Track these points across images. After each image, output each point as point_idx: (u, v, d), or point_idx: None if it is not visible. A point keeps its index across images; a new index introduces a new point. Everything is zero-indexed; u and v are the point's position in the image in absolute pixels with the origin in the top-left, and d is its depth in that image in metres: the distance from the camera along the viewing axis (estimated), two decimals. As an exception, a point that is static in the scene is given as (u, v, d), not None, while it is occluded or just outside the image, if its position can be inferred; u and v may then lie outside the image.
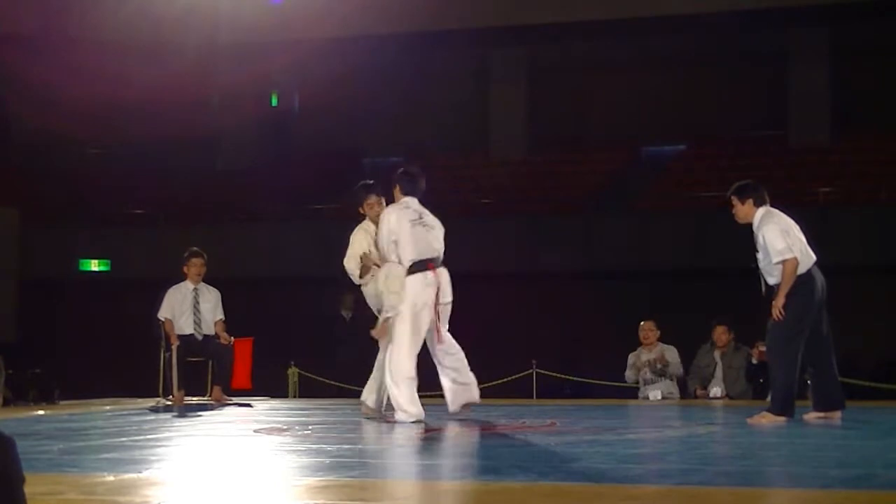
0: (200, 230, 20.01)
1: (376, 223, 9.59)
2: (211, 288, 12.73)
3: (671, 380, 12.91)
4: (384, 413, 9.59)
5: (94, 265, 21.68)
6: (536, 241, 19.81)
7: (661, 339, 13.03)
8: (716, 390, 12.47)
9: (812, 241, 9.18)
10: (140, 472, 6.26)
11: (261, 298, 19.97)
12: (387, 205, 9.63)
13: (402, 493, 5.78)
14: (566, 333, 19.61)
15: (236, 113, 24.36)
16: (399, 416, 9.16)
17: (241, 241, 20.94)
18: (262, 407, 11.88)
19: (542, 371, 15.51)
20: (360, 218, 9.94)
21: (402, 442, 8.34)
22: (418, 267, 9.20)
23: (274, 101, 25.73)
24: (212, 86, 24.36)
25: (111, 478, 5.97)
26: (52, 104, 22.17)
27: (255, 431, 8.95)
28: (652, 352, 12.93)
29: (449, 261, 9.47)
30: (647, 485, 5.72)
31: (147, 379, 12.83)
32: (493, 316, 17.54)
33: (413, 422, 9.05)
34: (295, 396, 15.82)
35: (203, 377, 12.82)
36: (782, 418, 8.89)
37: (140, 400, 12.60)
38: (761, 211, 9.18)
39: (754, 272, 9.26)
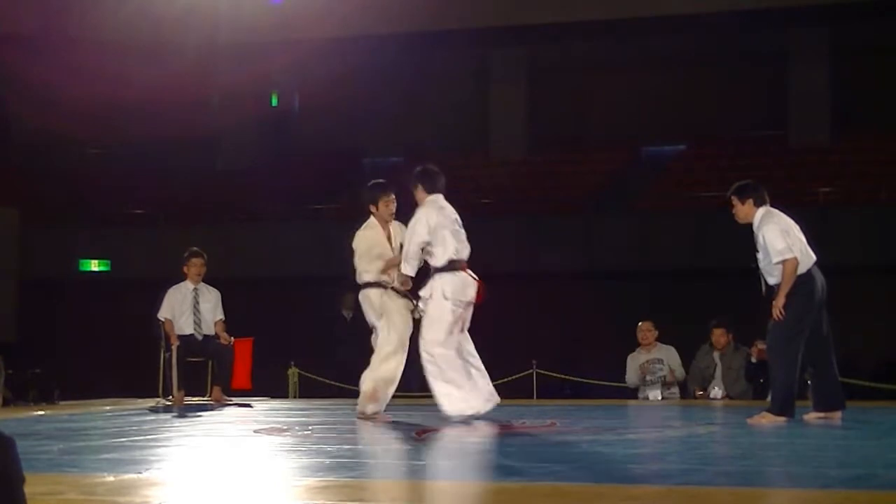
0: (200, 230, 20.01)
1: (388, 221, 9.58)
2: (211, 288, 12.73)
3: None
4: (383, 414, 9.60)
5: (94, 265, 21.67)
6: (536, 241, 19.81)
7: (661, 340, 13.03)
8: (716, 391, 12.47)
9: (812, 241, 9.18)
10: (140, 473, 6.26)
11: (261, 298, 19.97)
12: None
13: (401, 493, 5.78)
14: (566, 333, 19.61)
15: (236, 113, 24.36)
16: (450, 410, 9.18)
17: (241, 241, 20.94)
18: (262, 407, 11.88)
19: (542, 371, 15.51)
20: (360, 217, 9.92)
21: (401, 442, 8.34)
22: (455, 266, 9.26)
23: (274, 101, 25.73)
24: (212, 86, 24.36)
25: (111, 478, 5.97)
26: (52, 104, 22.17)
27: (255, 431, 8.95)
28: (651, 352, 12.93)
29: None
30: (647, 485, 5.72)
31: (147, 379, 12.83)
32: (493, 316, 17.56)
33: (470, 415, 9.13)
34: (295, 396, 15.82)
35: (203, 377, 12.82)
36: (782, 418, 8.89)
37: (140, 400, 12.60)
38: (761, 211, 9.18)
39: (754, 272, 9.26)
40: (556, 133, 23.86)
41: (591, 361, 16.56)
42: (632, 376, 12.95)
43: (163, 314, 12.49)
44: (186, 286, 12.63)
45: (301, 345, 17.89)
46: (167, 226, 21.59)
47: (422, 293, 9.38)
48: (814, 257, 9.12)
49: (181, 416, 10.92)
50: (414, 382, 17.05)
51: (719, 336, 12.59)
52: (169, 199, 22.84)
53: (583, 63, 24.11)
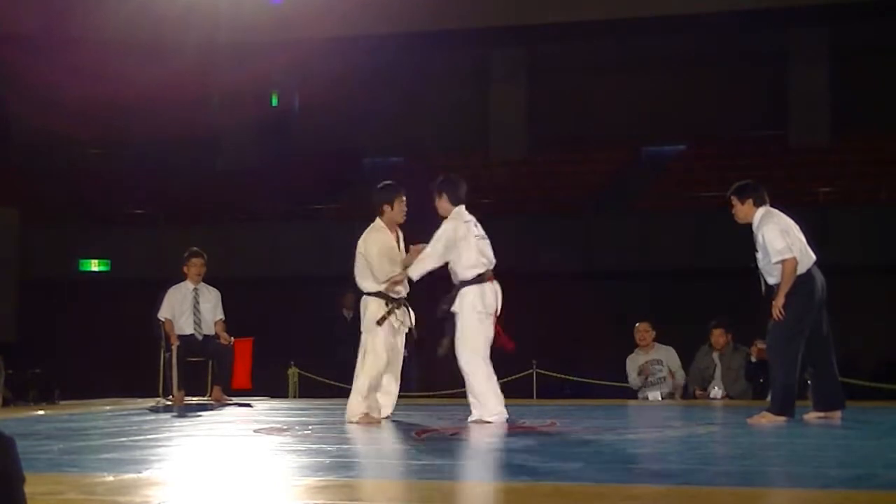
0: (200, 230, 20.01)
1: (398, 223, 9.53)
2: (211, 288, 12.73)
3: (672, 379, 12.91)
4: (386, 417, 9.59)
5: (94, 265, 21.67)
6: (536, 241, 19.79)
7: (662, 340, 13.02)
8: (716, 391, 12.47)
9: (812, 241, 9.18)
10: (140, 472, 6.27)
11: (261, 298, 19.97)
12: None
13: (401, 493, 5.78)
14: (566, 333, 19.60)
15: (236, 113, 24.36)
16: (485, 415, 9.18)
17: (241, 241, 20.93)
18: (262, 407, 11.88)
19: (542, 371, 15.51)
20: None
21: (401, 442, 8.34)
22: (483, 278, 9.30)
23: (274, 101, 25.73)
24: (212, 85, 24.36)
25: (111, 478, 5.97)
26: (53, 104, 22.17)
27: (255, 431, 8.95)
28: (649, 353, 12.92)
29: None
30: (647, 485, 5.73)
31: (147, 379, 12.84)
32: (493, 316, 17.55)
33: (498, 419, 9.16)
34: (295, 396, 15.82)
35: (203, 377, 12.82)
36: (782, 418, 8.89)
37: (140, 400, 12.60)
38: (761, 211, 9.18)
39: (754, 272, 9.26)
40: (556, 133, 23.85)
41: (591, 361, 16.55)
42: (634, 378, 12.94)
43: (163, 314, 12.50)
44: (186, 286, 12.64)
45: (301, 345, 17.90)
46: (167, 226, 21.58)
47: (448, 307, 9.36)
48: (813, 257, 9.12)
49: (181, 416, 10.92)
50: (414, 382, 17.09)
51: (718, 336, 12.59)
52: (169, 199, 22.83)
53: (583, 63, 24.11)
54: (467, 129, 24.17)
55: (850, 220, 18.97)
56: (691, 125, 23.26)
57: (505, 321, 9.54)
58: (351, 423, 9.22)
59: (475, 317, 9.25)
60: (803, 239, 9.14)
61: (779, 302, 8.92)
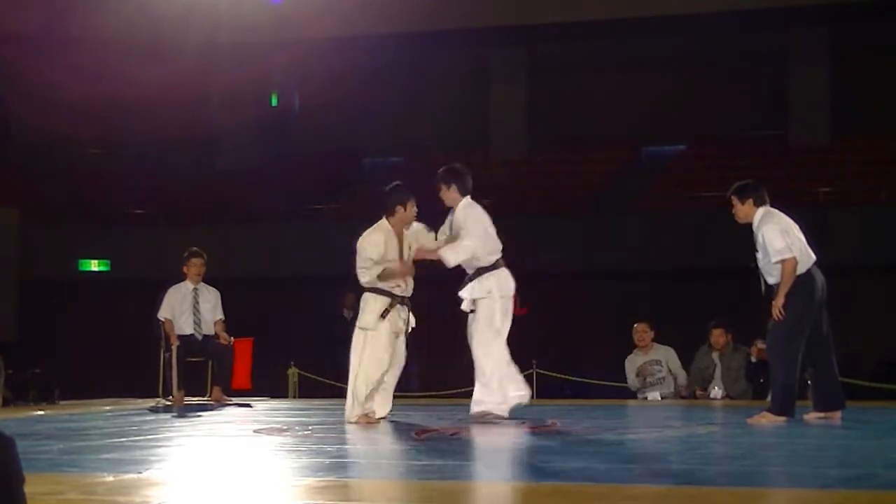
0: (200, 230, 20.00)
1: (407, 225, 9.51)
2: (211, 288, 12.73)
3: (674, 379, 12.90)
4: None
5: (94, 265, 21.67)
6: (536, 241, 19.78)
7: (662, 340, 13.01)
8: (716, 391, 12.47)
9: (812, 241, 9.18)
10: (140, 472, 6.26)
11: (261, 298, 19.97)
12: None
13: (401, 493, 5.78)
14: (566, 333, 19.60)
15: (236, 113, 24.35)
16: (489, 404, 9.27)
17: (241, 241, 20.94)
18: (262, 407, 11.87)
19: (542, 371, 15.50)
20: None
21: (400, 443, 8.34)
22: (500, 263, 9.51)
23: (274, 101, 25.73)
24: (212, 85, 24.37)
25: (111, 478, 5.97)
26: (53, 104, 22.17)
27: (255, 431, 8.95)
28: (648, 354, 12.91)
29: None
30: (647, 485, 5.72)
31: (147, 379, 12.83)
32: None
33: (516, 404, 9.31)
34: (295, 396, 15.82)
35: (203, 377, 12.82)
36: (782, 418, 8.89)
37: (140, 400, 12.60)
38: (761, 211, 9.18)
39: (754, 272, 9.26)
40: (556, 133, 23.85)
41: (591, 361, 16.57)
42: (632, 380, 12.93)
43: (163, 314, 12.50)
44: (186, 286, 12.63)
45: (301, 345, 17.90)
46: (167, 226, 21.59)
47: (469, 294, 9.40)
48: (813, 257, 9.12)
49: (181, 416, 10.91)
50: (414, 382, 17.09)
51: (718, 336, 12.58)
52: (169, 199, 22.83)
53: (583, 63, 24.11)
54: (467, 129, 24.17)
55: (850, 220, 18.98)
56: (691, 125, 23.26)
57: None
58: (350, 423, 9.21)
59: (499, 302, 9.38)
60: (803, 239, 9.14)
61: (779, 302, 8.92)
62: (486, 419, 9.26)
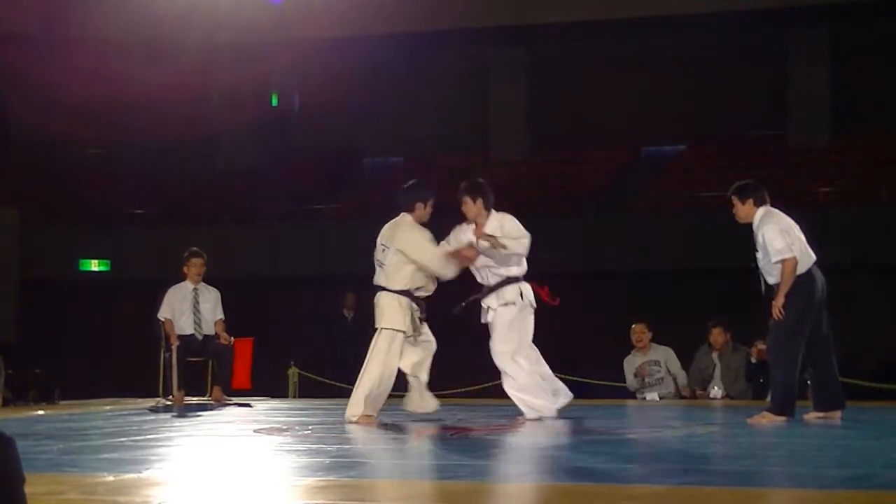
0: (200, 230, 20.00)
1: (422, 223, 9.49)
2: (211, 288, 12.73)
3: (673, 380, 12.89)
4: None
5: (94, 265, 21.66)
6: (536, 241, 19.75)
7: (661, 339, 13.01)
8: (716, 391, 12.46)
9: (812, 241, 9.18)
10: (140, 472, 6.27)
11: (261, 298, 19.96)
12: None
13: (401, 493, 5.78)
14: (566, 333, 19.58)
15: (236, 113, 24.34)
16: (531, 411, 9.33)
17: (241, 241, 20.93)
18: (262, 407, 11.88)
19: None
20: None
21: (401, 442, 8.34)
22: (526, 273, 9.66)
23: (274, 101, 25.72)
24: (212, 85, 24.35)
25: (111, 478, 5.97)
26: (53, 104, 22.16)
27: (255, 431, 8.95)
28: (647, 354, 12.90)
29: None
30: (647, 485, 5.73)
31: (147, 379, 12.83)
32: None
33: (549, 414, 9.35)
34: (295, 396, 15.82)
35: (203, 377, 12.82)
36: (782, 418, 8.89)
37: (140, 400, 12.60)
38: (761, 211, 9.19)
39: (754, 272, 9.26)
40: (556, 133, 23.84)
41: (591, 361, 16.55)
42: (631, 381, 12.92)
43: (163, 314, 12.50)
44: (186, 286, 12.64)
45: (301, 345, 17.89)
46: (167, 226, 21.58)
47: (496, 302, 9.44)
48: (814, 257, 9.12)
49: (181, 416, 10.92)
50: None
51: (717, 335, 12.58)
52: (169, 199, 22.83)
53: (583, 63, 24.10)
54: (467, 129, 24.16)
55: (850, 220, 18.96)
56: (691, 125, 23.25)
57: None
58: (350, 422, 9.20)
59: (528, 310, 9.54)
60: (803, 239, 9.14)
61: (779, 302, 8.93)
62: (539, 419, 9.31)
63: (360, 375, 9.35)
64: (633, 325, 13.01)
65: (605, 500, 5.25)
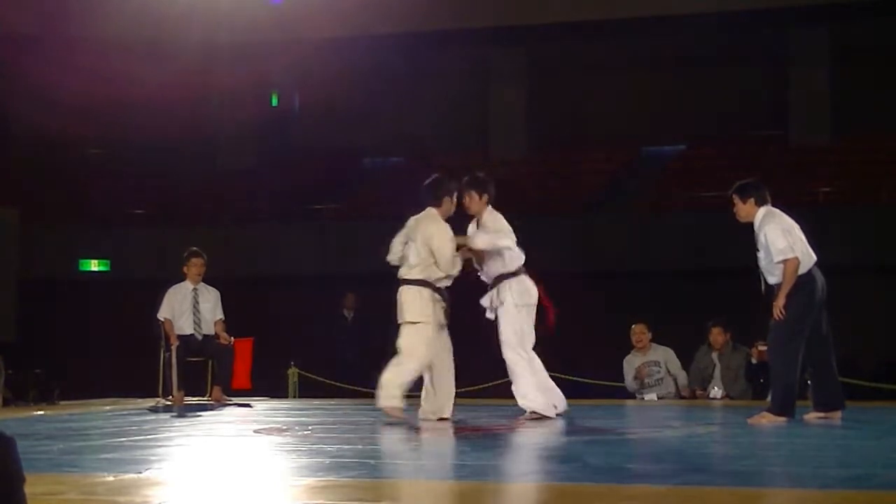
0: (200, 230, 20.00)
1: (446, 215, 9.50)
2: (210, 288, 12.74)
3: (674, 380, 12.89)
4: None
5: (94, 265, 21.66)
6: (536, 241, 19.75)
7: (661, 339, 13.01)
8: (716, 391, 12.46)
9: (812, 241, 9.18)
10: (140, 472, 6.26)
11: (261, 298, 19.96)
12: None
13: (401, 493, 5.78)
14: (566, 333, 19.57)
15: (236, 113, 24.35)
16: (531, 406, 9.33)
17: (241, 241, 20.92)
18: (262, 407, 11.88)
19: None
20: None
21: (401, 442, 8.34)
22: (521, 270, 9.65)
23: (274, 101, 25.72)
24: (212, 85, 24.34)
25: (111, 478, 5.97)
26: (53, 104, 22.15)
27: (255, 431, 8.95)
28: (646, 355, 12.90)
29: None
30: (647, 485, 5.73)
31: (147, 379, 12.83)
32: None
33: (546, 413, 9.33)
34: (295, 396, 15.82)
35: (203, 377, 12.82)
36: (782, 418, 8.89)
37: (140, 400, 12.60)
38: (763, 210, 9.18)
39: (754, 272, 9.26)
40: (556, 133, 23.84)
41: (590, 361, 16.55)
42: (630, 381, 12.92)
43: (163, 314, 12.50)
44: (186, 286, 12.64)
45: (301, 345, 17.89)
46: (167, 226, 21.57)
47: (489, 302, 9.45)
48: (814, 257, 9.12)
49: (181, 416, 10.92)
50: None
51: (717, 335, 12.59)
52: (169, 199, 22.83)
53: (583, 63, 24.10)
54: (467, 129, 24.15)
55: (850, 220, 18.96)
56: (691, 125, 23.24)
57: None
58: (380, 407, 9.16)
59: (523, 309, 9.50)
60: (804, 239, 9.14)
61: (780, 302, 8.93)
62: (534, 417, 9.30)
63: (390, 365, 9.30)
64: (633, 326, 13.01)
65: (605, 500, 5.25)
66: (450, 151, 23.51)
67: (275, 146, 25.02)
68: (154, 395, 12.49)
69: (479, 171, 10.37)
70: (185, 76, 22.36)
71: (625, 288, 19.40)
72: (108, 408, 11.85)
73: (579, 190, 22.08)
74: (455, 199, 9.57)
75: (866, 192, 20.05)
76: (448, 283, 9.44)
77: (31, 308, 18.55)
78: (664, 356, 12.88)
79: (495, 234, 9.46)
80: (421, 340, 9.23)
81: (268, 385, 14.32)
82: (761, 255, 9.13)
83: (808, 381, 9.52)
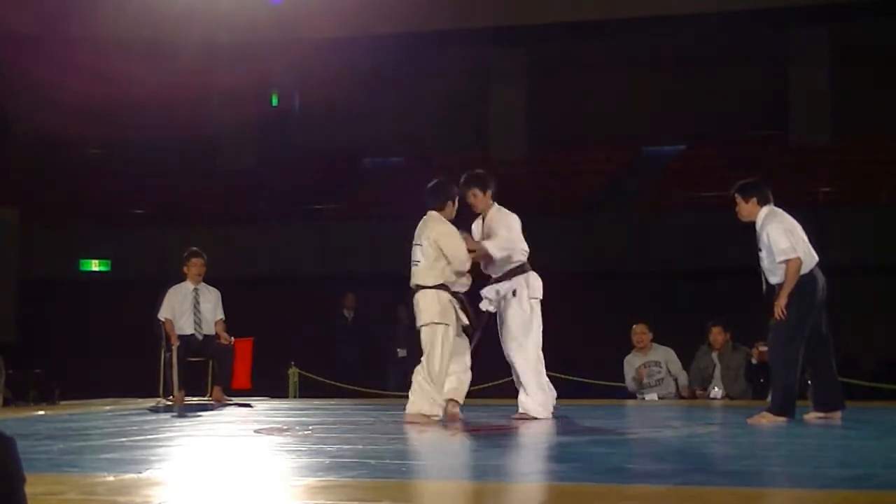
0: (200, 230, 20.00)
1: (449, 218, 9.51)
2: (211, 288, 12.74)
3: (674, 380, 12.89)
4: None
5: (94, 265, 21.66)
6: (537, 241, 19.76)
7: (661, 339, 13.01)
8: (716, 391, 12.46)
9: (812, 241, 9.18)
10: (140, 472, 6.27)
11: (261, 298, 19.96)
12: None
13: (401, 493, 5.78)
14: (566, 333, 19.57)
15: (236, 113, 24.34)
16: (531, 408, 9.37)
17: (241, 241, 20.92)
18: (262, 407, 11.88)
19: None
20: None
21: (401, 442, 8.34)
22: (529, 266, 9.67)
23: (274, 101, 25.72)
24: (212, 85, 24.34)
25: (111, 478, 5.97)
26: (53, 104, 22.15)
27: (255, 431, 8.95)
28: (647, 355, 12.89)
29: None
30: (647, 485, 5.73)
31: (147, 379, 12.83)
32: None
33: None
34: (295, 396, 15.82)
35: (203, 377, 12.82)
36: (782, 418, 8.89)
37: (140, 400, 12.60)
38: (765, 210, 9.18)
39: (754, 272, 9.26)
40: (556, 133, 23.84)
41: (590, 361, 16.55)
42: (630, 382, 12.92)
43: (163, 314, 12.50)
44: (186, 286, 12.64)
45: (301, 345, 17.89)
46: (167, 226, 21.57)
47: (494, 294, 9.42)
48: (816, 258, 9.12)
49: (181, 416, 10.92)
50: (392, 381, 17.05)
51: (717, 335, 12.58)
52: (169, 199, 22.83)
53: (583, 63, 24.10)
54: (467, 129, 24.15)
55: (850, 220, 18.96)
56: (691, 125, 23.24)
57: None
58: (407, 420, 9.13)
59: (536, 303, 9.55)
60: (806, 239, 9.14)
61: (781, 302, 8.92)
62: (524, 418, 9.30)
63: (415, 373, 9.27)
64: (634, 326, 13.01)
65: (605, 500, 5.25)
66: (450, 151, 23.50)
67: (275, 146, 25.02)
68: (154, 395, 12.49)
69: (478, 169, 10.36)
70: (185, 76, 22.36)
71: (625, 288, 19.41)
72: (108, 408, 11.85)
73: (579, 190, 22.09)
74: (457, 203, 9.56)
75: (866, 192, 20.05)
76: (465, 287, 9.42)
77: (31, 308, 18.55)
78: (665, 356, 12.88)
79: (507, 240, 9.49)
80: (431, 344, 9.23)
81: (268, 385, 14.32)
82: (763, 254, 9.12)
83: (808, 381, 9.52)
